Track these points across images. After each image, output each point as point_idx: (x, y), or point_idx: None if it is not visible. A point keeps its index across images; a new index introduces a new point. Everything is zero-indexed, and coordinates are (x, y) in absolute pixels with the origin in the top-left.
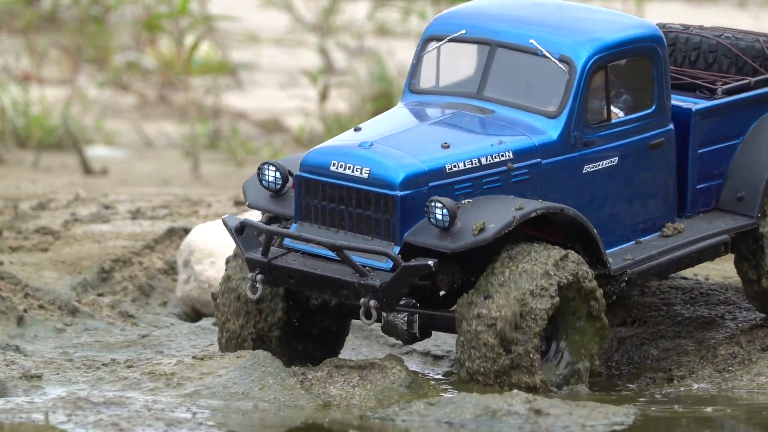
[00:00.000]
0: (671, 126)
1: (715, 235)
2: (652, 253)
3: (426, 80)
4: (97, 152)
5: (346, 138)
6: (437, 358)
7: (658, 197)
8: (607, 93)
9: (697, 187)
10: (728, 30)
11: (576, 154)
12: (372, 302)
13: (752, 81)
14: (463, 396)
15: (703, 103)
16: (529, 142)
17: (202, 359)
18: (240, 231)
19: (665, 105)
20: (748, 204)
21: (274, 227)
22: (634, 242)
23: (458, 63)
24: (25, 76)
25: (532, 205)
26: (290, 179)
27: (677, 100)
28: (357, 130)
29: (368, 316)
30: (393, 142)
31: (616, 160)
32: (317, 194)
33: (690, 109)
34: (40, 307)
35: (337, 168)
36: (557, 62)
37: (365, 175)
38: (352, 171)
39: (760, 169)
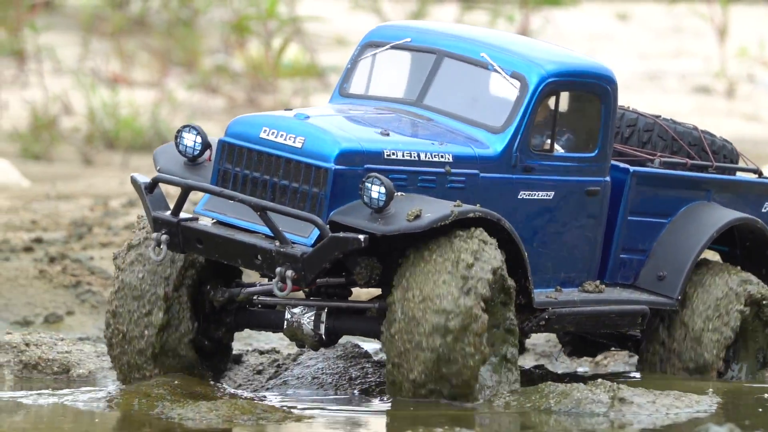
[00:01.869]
0: (609, 178)
1: (636, 303)
2: (575, 299)
3: (359, 86)
4: None
5: (276, 112)
6: (524, 350)
7: (584, 250)
8: (554, 122)
9: (620, 256)
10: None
11: (515, 176)
12: (289, 272)
13: (689, 163)
14: (548, 384)
15: (640, 168)
16: (470, 151)
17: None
18: (151, 189)
19: (607, 153)
20: (669, 284)
21: (191, 181)
22: (554, 289)
23: (394, 73)
24: (115, 78)
25: (469, 207)
26: (208, 151)
27: (614, 162)
28: (288, 110)
29: (282, 287)
30: (330, 121)
31: (552, 195)
32: (240, 161)
33: (627, 169)
34: None
35: (267, 135)
36: (508, 78)
37: (299, 145)
38: (285, 139)
39: (687, 251)
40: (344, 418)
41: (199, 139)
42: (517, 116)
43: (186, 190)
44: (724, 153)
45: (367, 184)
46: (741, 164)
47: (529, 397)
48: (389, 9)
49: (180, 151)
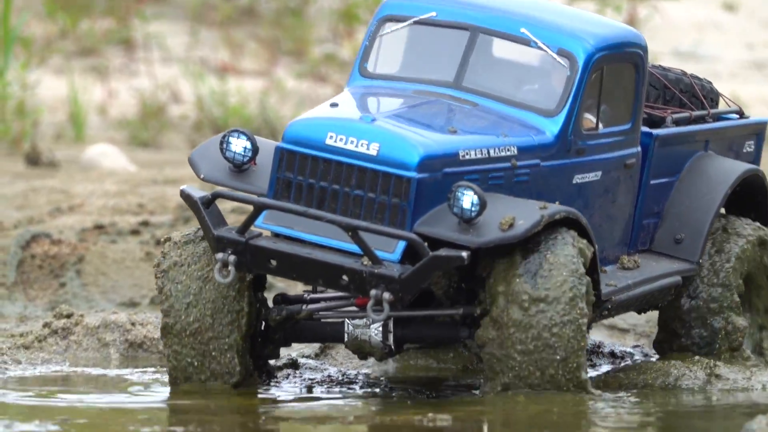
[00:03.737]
0: (639, 148)
1: (672, 275)
2: (629, 283)
3: (381, 65)
4: None
5: (332, 111)
6: (623, 331)
7: (622, 225)
8: (599, 98)
9: (642, 222)
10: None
11: (570, 160)
12: (386, 295)
13: (692, 114)
14: (645, 363)
15: (662, 130)
16: (531, 140)
17: None
18: (208, 204)
19: (639, 124)
20: (688, 248)
21: (265, 199)
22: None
23: (419, 50)
24: (224, 67)
25: (554, 207)
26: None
27: None
28: (333, 105)
29: (378, 310)
30: (396, 120)
31: (600, 174)
32: (303, 170)
33: (651, 133)
34: None
35: (335, 141)
36: (556, 56)
37: (373, 152)
38: (356, 146)
39: (703, 211)
40: (441, 400)
41: (248, 145)
42: (569, 97)
43: (259, 209)
44: (711, 96)
45: (457, 194)
46: (722, 104)
47: (627, 375)
48: None
49: (227, 158)
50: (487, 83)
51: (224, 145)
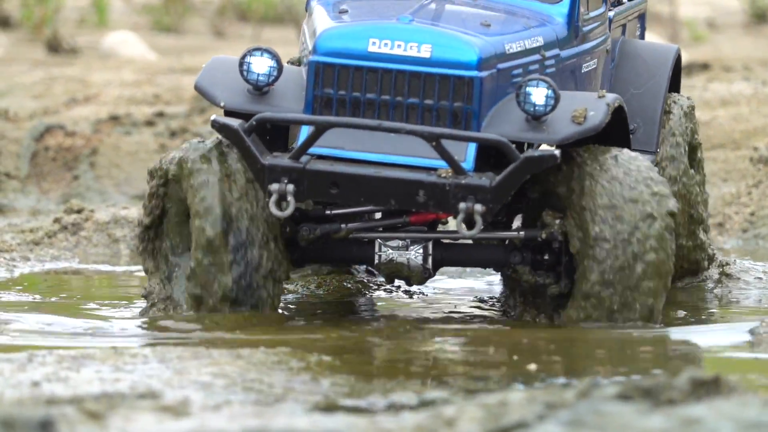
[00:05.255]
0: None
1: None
2: None
3: None
4: None
5: (346, 20)
6: None
7: None
8: None
9: None
10: None
11: (579, 48)
12: (478, 207)
13: None
14: None
15: (611, 12)
16: (551, 30)
17: None
18: (250, 131)
19: (608, 7)
20: (644, 137)
21: (329, 117)
22: None
23: None
24: None
25: (609, 95)
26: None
27: None
28: (342, 12)
29: (470, 225)
30: (431, 19)
31: (596, 62)
32: (345, 83)
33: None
34: None
35: (379, 48)
36: None
37: (426, 54)
38: (405, 50)
39: (650, 97)
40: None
41: (273, 63)
42: None
43: (321, 129)
44: None
45: (527, 89)
46: None
47: None
48: None
49: (250, 80)
50: None
51: (245, 67)
